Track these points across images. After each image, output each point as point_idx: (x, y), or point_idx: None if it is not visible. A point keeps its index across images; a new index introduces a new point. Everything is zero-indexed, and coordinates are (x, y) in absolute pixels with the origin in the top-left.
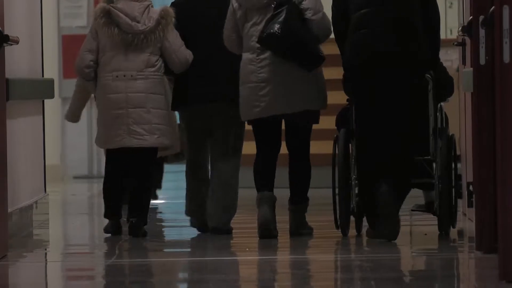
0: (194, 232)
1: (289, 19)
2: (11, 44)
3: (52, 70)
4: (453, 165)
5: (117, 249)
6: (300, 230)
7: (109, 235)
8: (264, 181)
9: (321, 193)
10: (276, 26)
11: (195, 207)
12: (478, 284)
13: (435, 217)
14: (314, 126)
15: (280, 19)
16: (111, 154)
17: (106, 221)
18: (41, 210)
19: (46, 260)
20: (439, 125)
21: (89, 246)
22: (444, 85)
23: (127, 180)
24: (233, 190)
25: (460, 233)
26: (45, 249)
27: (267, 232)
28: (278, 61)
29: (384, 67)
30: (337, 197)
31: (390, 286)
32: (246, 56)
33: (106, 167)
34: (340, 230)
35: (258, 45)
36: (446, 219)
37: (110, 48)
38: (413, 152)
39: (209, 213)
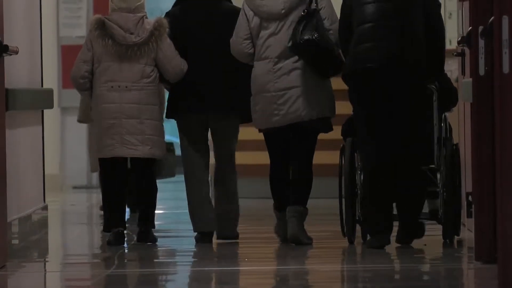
0: (193, 242)
1: (321, 27)
2: (11, 54)
3: (51, 80)
4: (457, 174)
5: (116, 259)
6: (301, 238)
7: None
8: (284, 199)
9: (326, 203)
10: (314, 34)
11: (199, 215)
12: None
13: (440, 225)
14: (319, 136)
15: (313, 27)
16: (102, 166)
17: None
18: (40, 220)
19: (45, 270)
20: (444, 134)
21: (88, 256)
22: (449, 95)
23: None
24: (236, 197)
25: (460, 243)
26: (44, 259)
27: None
28: (294, 70)
29: (386, 77)
30: (343, 206)
31: None
32: (261, 65)
33: (100, 178)
34: (346, 238)
35: (274, 55)
36: (451, 227)
37: (105, 59)
38: (414, 156)
39: (218, 223)
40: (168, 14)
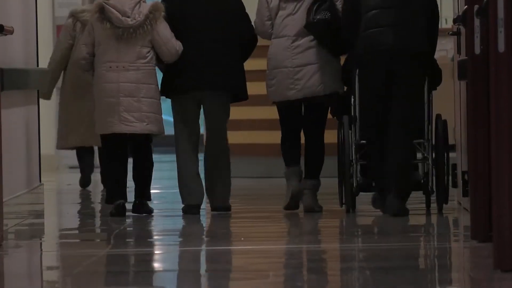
0: (189, 221)
1: (333, 8)
2: (6, 34)
3: (46, 60)
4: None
5: (112, 238)
6: (314, 207)
7: (105, 223)
8: (294, 156)
9: (323, 182)
10: (326, 14)
11: (187, 188)
12: (473, 273)
13: (423, 195)
14: None
15: (326, 7)
16: (104, 141)
17: (102, 209)
18: (36, 199)
19: (41, 249)
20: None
21: (84, 235)
22: (438, 76)
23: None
24: (228, 169)
25: (455, 222)
26: (40, 239)
27: (293, 203)
28: (310, 49)
29: (391, 60)
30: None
31: (384, 275)
32: (279, 42)
33: (101, 154)
34: (345, 207)
35: (292, 33)
36: (442, 195)
37: (104, 41)
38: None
39: (210, 194)
40: None
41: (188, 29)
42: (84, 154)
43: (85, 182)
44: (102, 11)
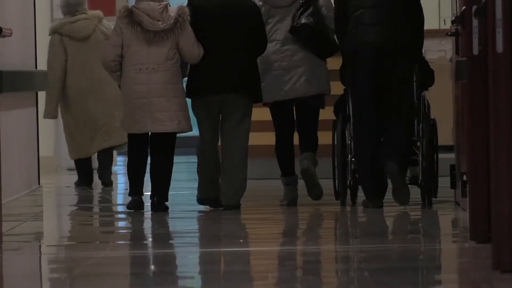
0: (188, 223)
1: (317, 13)
2: (4, 36)
3: (45, 62)
4: (435, 145)
5: (111, 240)
6: (313, 165)
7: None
8: (288, 166)
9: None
10: (309, 19)
11: (208, 182)
12: (472, 274)
13: (419, 188)
14: None
15: (310, 13)
16: (133, 140)
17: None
18: (35, 201)
19: (40, 251)
20: (423, 110)
21: (83, 237)
22: (430, 76)
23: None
24: (244, 170)
25: (454, 223)
26: (39, 241)
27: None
28: (297, 52)
29: (376, 57)
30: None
31: (384, 276)
32: (269, 47)
33: (129, 151)
34: (339, 201)
35: (281, 38)
36: (429, 191)
37: (134, 44)
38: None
39: (223, 191)
40: (189, 3)
41: (211, 35)
42: (83, 163)
43: (86, 182)
44: (130, 15)
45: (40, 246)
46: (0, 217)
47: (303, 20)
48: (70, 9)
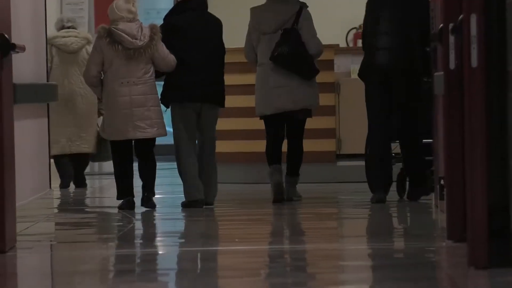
0: (186, 224)
1: (294, 42)
2: (18, 52)
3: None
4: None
5: (117, 240)
6: (293, 196)
7: (109, 226)
8: (275, 158)
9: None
10: (284, 49)
11: (193, 183)
12: (449, 270)
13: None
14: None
15: (288, 42)
16: (115, 147)
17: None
18: (46, 204)
19: (51, 250)
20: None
21: (91, 237)
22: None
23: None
24: (215, 173)
25: (433, 224)
26: (50, 241)
27: (279, 196)
28: (283, 73)
29: (393, 75)
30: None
31: (367, 273)
32: (260, 67)
33: (113, 157)
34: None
35: (268, 60)
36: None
37: (115, 61)
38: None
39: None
40: (166, 21)
41: (188, 50)
42: (61, 161)
43: (65, 185)
44: (111, 35)
45: (51, 245)
46: (14, 218)
47: (278, 50)
48: (64, 25)
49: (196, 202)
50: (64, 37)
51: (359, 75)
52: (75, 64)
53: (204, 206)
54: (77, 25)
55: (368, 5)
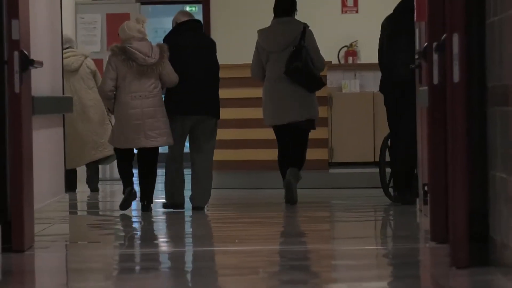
0: (189, 226)
1: (305, 58)
2: (36, 67)
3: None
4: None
5: (126, 241)
6: (292, 181)
7: (120, 229)
8: (285, 168)
9: (312, 192)
10: (298, 64)
11: (173, 189)
12: (432, 270)
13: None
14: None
15: (300, 58)
16: (121, 152)
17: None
18: (61, 207)
19: (66, 250)
20: None
21: (102, 238)
22: None
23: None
24: (211, 178)
25: (417, 226)
26: (65, 241)
27: (290, 194)
28: (289, 86)
29: (402, 87)
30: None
31: (356, 272)
32: (268, 82)
33: (118, 161)
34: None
35: (276, 76)
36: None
37: (129, 77)
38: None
39: (194, 195)
40: (167, 41)
41: (186, 68)
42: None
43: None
44: (125, 53)
45: (66, 245)
46: (32, 220)
47: (293, 65)
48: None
49: (173, 204)
50: (64, 58)
51: None
52: (80, 79)
53: (198, 210)
54: (74, 43)
55: None
